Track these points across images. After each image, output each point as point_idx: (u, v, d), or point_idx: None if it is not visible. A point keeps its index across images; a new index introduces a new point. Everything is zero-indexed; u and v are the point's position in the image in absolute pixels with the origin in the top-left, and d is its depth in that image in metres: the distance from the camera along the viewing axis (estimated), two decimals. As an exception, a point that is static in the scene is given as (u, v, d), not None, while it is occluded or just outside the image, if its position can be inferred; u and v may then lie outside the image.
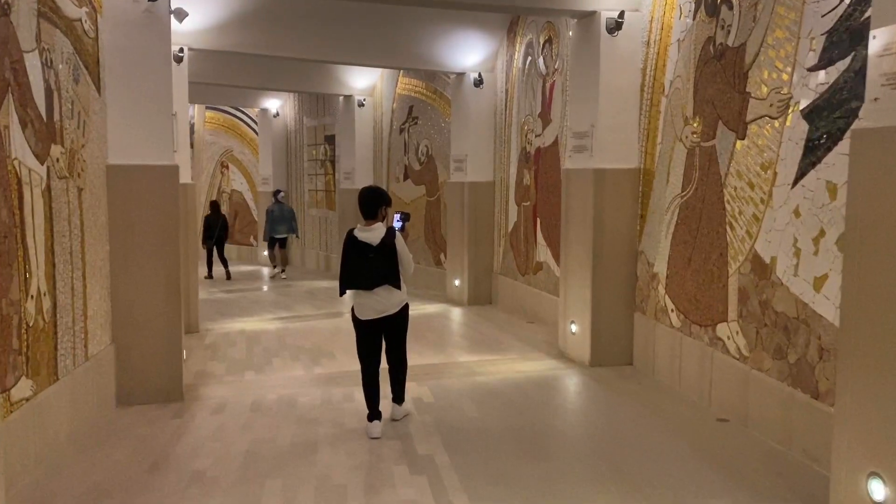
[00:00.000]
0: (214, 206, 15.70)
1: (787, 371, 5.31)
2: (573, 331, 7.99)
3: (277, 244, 15.83)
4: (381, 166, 15.10)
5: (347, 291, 5.58)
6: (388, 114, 14.77)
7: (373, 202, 5.52)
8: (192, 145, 21.03)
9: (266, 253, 16.02)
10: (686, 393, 6.68)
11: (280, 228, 15.69)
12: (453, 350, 8.68)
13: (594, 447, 5.43)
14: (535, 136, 10.25)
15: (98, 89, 6.15)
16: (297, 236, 16.25)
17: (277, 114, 18.36)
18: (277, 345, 9.08)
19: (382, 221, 5.59)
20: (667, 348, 7.06)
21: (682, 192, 6.80)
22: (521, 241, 10.82)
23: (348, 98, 15.18)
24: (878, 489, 3.57)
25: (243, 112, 19.70)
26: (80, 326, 5.66)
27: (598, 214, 7.61)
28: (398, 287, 5.51)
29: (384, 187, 15.01)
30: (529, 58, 10.41)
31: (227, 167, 20.41)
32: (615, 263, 7.69)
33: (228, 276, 15.73)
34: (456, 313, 11.21)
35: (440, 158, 13.10)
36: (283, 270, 16.10)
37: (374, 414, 5.64)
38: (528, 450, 5.36)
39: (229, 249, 19.99)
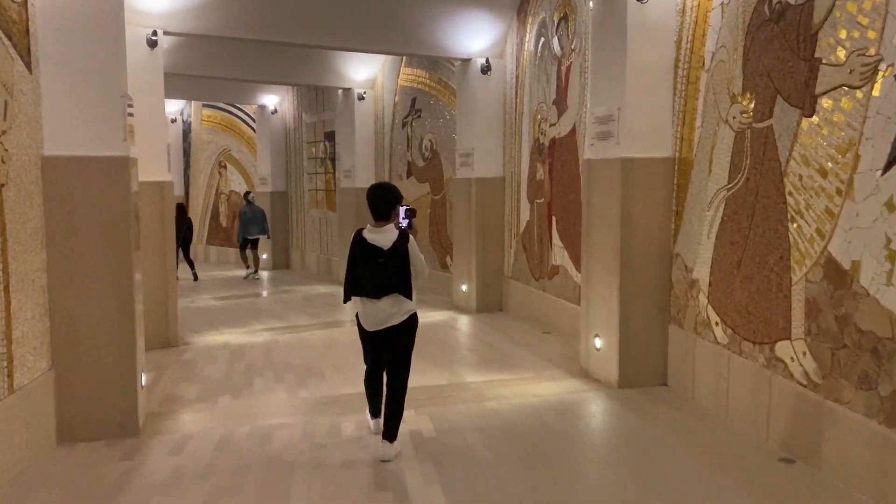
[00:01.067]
0: (180, 208, 15.09)
1: (877, 405, 4.16)
2: (597, 346, 6.86)
3: (249, 245, 15.71)
4: (382, 163, 14.00)
5: (352, 298, 5.02)
6: (389, 107, 13.67)
7: (385, 201, 4.89)
8: (189, 145, 20.03)
9: (240, 254, 16.08)
10: (735, 423, 5.54)
11: (253, 230, 15.55)
12: (460, 367, 7.55)
13: (629, 497, 4.31)
14: (550, 126, 9.13)
15: (27, 65, 5.06)
16: (268, 237, 16.22)
17: (276, 110, 17.30)
18: (262, 361, 7.98)
19: (394, 222, 4.99)
20: (710, 368, 5.93)
21: (729, 183, 5.66)
22: (534, 242, 9.69)
23: (347, 91, 14.09)
24: None
25: (241, 109, 18.64)
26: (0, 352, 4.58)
27: (626, 211, 6.48)
28: (409, 297, 4.89)
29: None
30: (542, 39, 9.28)
31: (225, 167, 19.36)
32: (646, 268, 6.56)
33: (195, 278, 15.41)
34: (463, 322, 10.10)
35: (445, 153, 11.99)
36: (255, 271, 15.87)
37: (374, 412, 5.36)
38: (547, 502, 4.25)
39: (228, 253, 19.06)
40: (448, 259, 12.05)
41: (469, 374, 7.24)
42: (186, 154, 20.44)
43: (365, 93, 13.95)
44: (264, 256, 17.51)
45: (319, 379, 7.17)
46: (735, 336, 5.61)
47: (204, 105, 19.52)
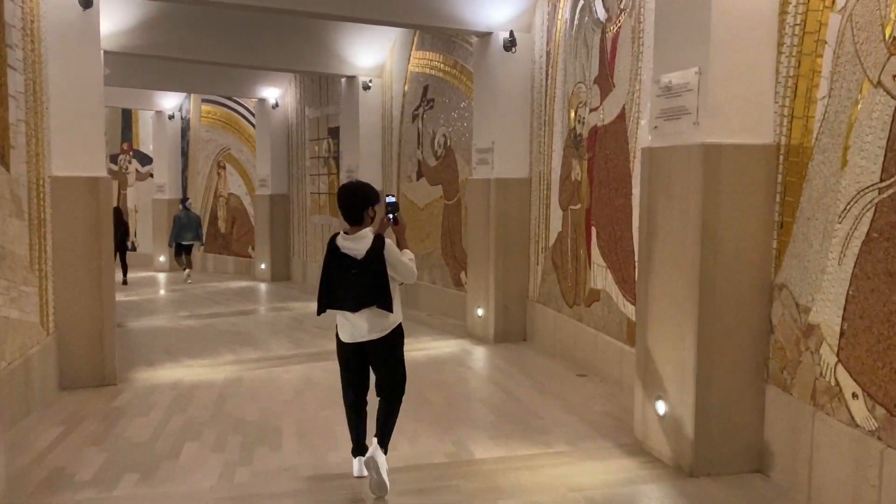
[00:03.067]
0: (117, 211, 13.88)
1: None
2: (660, 412, 4.78)
3: (183, 251, 15.62)
4: (390, 163, 12.01)
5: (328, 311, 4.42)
6: (398, 98, 11.68)
7: (355, 202, 4.32)
8: (187, 143, 18.23)
9: (163, 258, 16.30)
10: (896, 559, 3.44)
11: (187, 235, 15.43)
12: (467, 432, 5.49)
13: None
14: (590, 112, 7.07)
15: None
16: (201, 244, 16.21)
17: (277, 104, 15.39)
18: (210, 413, 6.00)
19: (371, 224, 4.37)
20: (842, 461, 3.82)
21: (881, 181, 3.58)
22: (567, 258, 7.63)
23: (352, 80, 12.11)
24: None
25: (242, 104, 16.77)
26: None
27: (708, 222, 4.41)
28: (389, 309, 4.31)
29: (393, 187, 11.92)
30: (581, 2, 7.23)
31: (224, 168, 17.50)
32: (735, 303, 4.48)
33: (125, 282, 15.02)
34: (478, 358, 8.04)
35: (462, 150, 9.97)
36: (188, 276, 15.61)
37: (358, 447, 4.52)
38: None
39: (227, 262, 17.24)
40: (463, 275, 10.01)
41: (479, 445, 5.18)
42: (185, 153, 18.62)
43: (371, 81, 11.97)
44: (263, 266, 15.61)
45: (273, 447, 5.16)
46: (890, 418, 3.52)
47: (203, 100, 17.70)
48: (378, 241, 4.25)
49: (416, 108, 11.13)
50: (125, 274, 15.21)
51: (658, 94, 4.84)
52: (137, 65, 13.14)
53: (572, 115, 7.48)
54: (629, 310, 6.29)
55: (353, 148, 12.19)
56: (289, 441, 5.26)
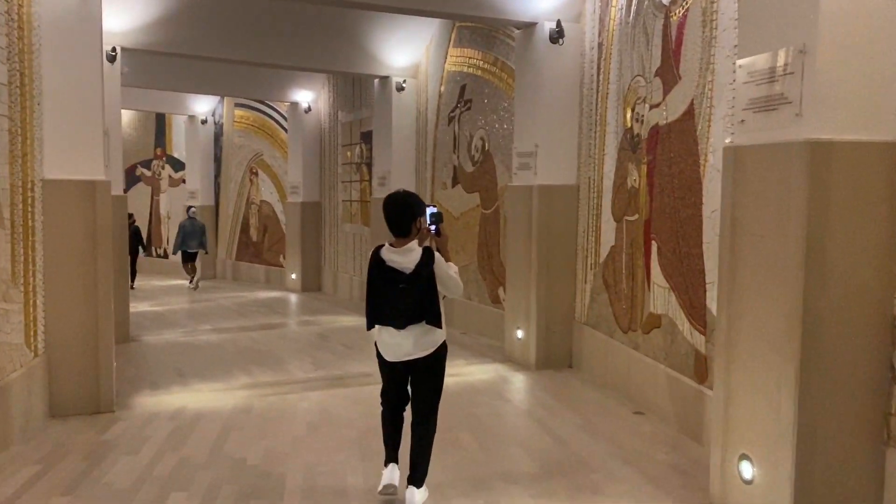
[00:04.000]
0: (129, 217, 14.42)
1: None
2: (747, 476, 3.80)
3: (188, 258, 15.60)
4: (424, 169, 11.15)
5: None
6: (434, 99, 10.82)
7: (403, 214, 4.03)
8: (220, 149, 17.63)
9: (182, 267, 16.05)
10: None
11: (192, 243, 15.46)
12: (505, 486, 4.56)
13: None
14: (650, 109, 6.12)
15: None
16: (205, 252, 16.30)
17: (309, 108, 14.65)
18: (207, 453, 5.16)
19: (416, 237, 4.08)
20: None
21: None
22: (621, 277, 6.66)
23: (385, 81, 11.29)
24: None
25: (275, 109, 16.10)
26: None
27: (815, 238, 3.44)
28: (438, 325, 4.08)
29: (428, 195, 11.06)
30: (640, -15, 6.29)
31: (256, 174, 16.83)
32: (847, 342, 3.50)
33: (132, 287, 14.25)
34: (517, 387, 7.10)
35: (501, 155, 9.06)
36: (192, 281, 15.64)
37: (389, 457, 4.29)
38: None
39: (258, 271, 16.57)
40: (501, 291, 9.08)
41: (518, 499, 4.25)
42: (217, 159, 18.01)
43: (405, 81, 11.13)
44: (293, 276, 14.86)
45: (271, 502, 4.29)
46: None
47: (236, 104, 17.08)
48: (428, 254, 4.03)
49: (453, 110, 10.25)
50: (133, 279, 14.88)
51: (746, 81, 3.87)
52: (164, 65, 12.54)
53: (628, 113, 6.53)
54: (698, 340, 5.30)
55: (386, 153, 11.36)
56: (291, 497, 4.38)
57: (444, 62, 10.47)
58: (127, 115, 20.51)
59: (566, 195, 7.62)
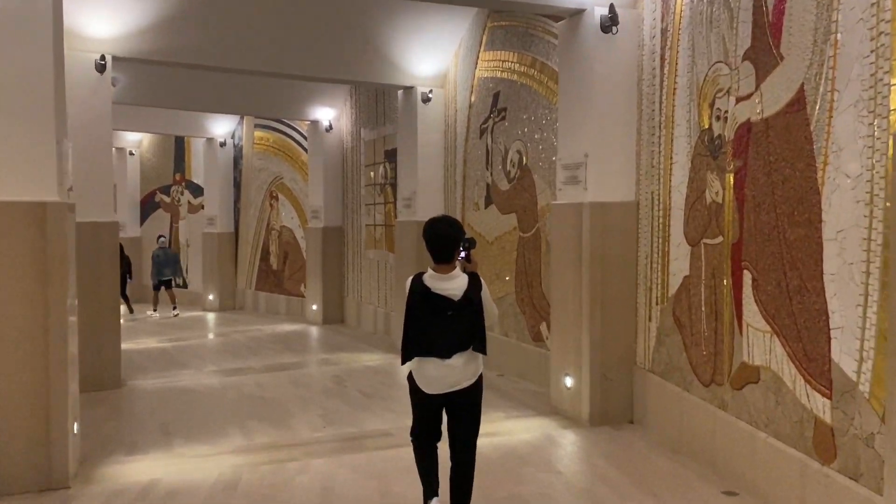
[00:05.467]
0: (119, 247, 14.85)
1: None
2: None
3: (163, 286, 15.81)
4: (453, 188, 9.87)
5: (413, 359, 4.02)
6: (463, 110, 9.56)
7: (449, 241, 3.94)
8: (240, 173, 16.58)
9: (154, 296, 16.20)
10: None
11: (166, 271, 15.78)
12: None
13: None
14: (737, 103, 4.76)
15: None
16: (181, 280, 16.86)
17: (330, 126, 13.50)
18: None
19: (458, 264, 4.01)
20: None
21: None
22: (699, 315, 5.26)
23: (409, 92, 10.08)
24: None
25: (295, 128, 15.00)
26: None
27: None
28: (484, 351, 3.99)
29: (459, 216, 9.75)
30: (719, -51, 4.97)
31: (277, 198, 15.71)
32: None
33: (131, 311, 15.81)
34: (569, 451, 5.71)
35: (542, 170, 7.76)
36: (174, 308, 15.71)
37: (432, 490, 4.01)
38: None
39: (279, 302, 15.40)
40: (544, 328, 7.72)
41: None
42: (237, 184, 16.95)
43: (431, 92, 9.90)
44: (314, 307, 13.62)
45: None
46: None
47: (256, 125, 16.04)
48: (476, 280, 4.00)
49: (485, 121, 8.98)
50: (128, 302, 15.67)
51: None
52: (171, 80, 11.50)
53: (706, 110, 5.18)
54: (818, 405, 3.90)
55: (411, 172, 10.11)
56: None
57: (475, 68, 9.22)
58: (147, 140, 19.70)
59: (623, 214, 6.26)
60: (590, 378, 6.23)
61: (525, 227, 8.11)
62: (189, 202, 18.46)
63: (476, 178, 9.22)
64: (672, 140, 5.71)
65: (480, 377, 4.02)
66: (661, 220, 5.89)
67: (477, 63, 9.17)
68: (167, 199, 19.17)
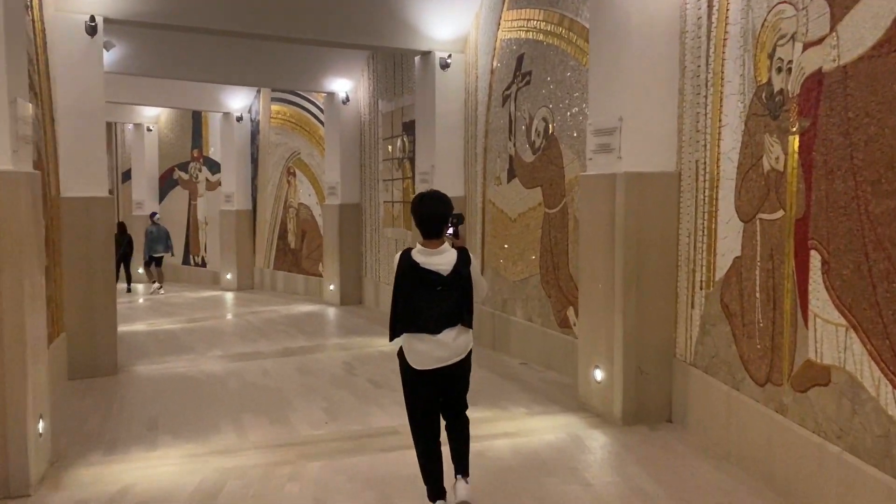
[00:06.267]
0: (121, 226, 16.28)
1: None
2: None
3: (154, 263, 16.14)
4: (473, 161, 9.12)
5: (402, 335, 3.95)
6: (485, 76, 8.78)
7: (442, 214, 3.89)
8: (257, 148, 15.97)
9: (141, 271, 17.17)
10: None
11: (158, 248, 16.01)
12: None
13: None
14: (804, 50, 3.95)
15: None
16: (171, 254, 16.83)
17: (347, 98, 12.77)
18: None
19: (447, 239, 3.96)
20: None
21: None
22: (754, 302, 4.48)
23: (427, 57, 9.31)
24: None
25: (312, 101, 14.30)
26: None
27: None
28: (470, 326, 3.96)
29: (478, 193, 9.03)
30: None
31: (294, 174, 15.06)
32: None
33: (129, 290, 16.16)
34: (599, 457, 4.97)
35: (569, 139, 6.98)
36: (160, 287, 16.05)
37: (437, 492, 3.97)
38: None
39: (297, 281, 14.81)
40: (571, 312, 6.98)
41: None
42: (254, 160, 16.34)
43: (450, 57, 9.13)
44: (332, 287, 12.99)
45: None
46: None
47: (273, 99, 15.38)
48: (465, 255, 3.95)
49: (508, 87, 8.20)
50: (129, 281, 16.39)
51: None
52: (177, 47, 10.88)
53: (763, 62, 4.36)
54: (914, 418, 3.13)
55: (429, 144, 9.37)
56: None
57: (498, 29, 8.42)
58: (164, 115, 19.16)
59: (663, 186, 5.47)
60: (623, 371, 5.49)
61: (551, 202, 7.35)
62: (207, 179, 17.91)
63: (498, 149, 8.46)
64: (721, 99, 4.90)
65: (470, 352, 4.00)
66: (706, 192, 5.09)
67: (499, 24, 8.37)
68: (185, 177, 18.66)
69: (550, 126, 7.33)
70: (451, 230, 3.96)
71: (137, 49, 10.74)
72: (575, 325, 6.86)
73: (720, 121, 4.91)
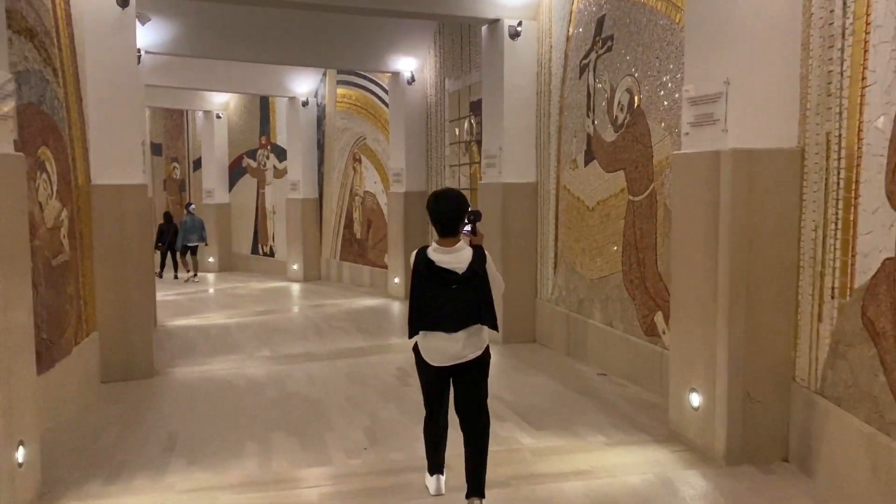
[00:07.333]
0: (167, 216, 17.05)
1: None
2: None
3: (189, 252, 16.40)
4: (546, 143, 8.06)
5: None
6: (560, 45, 7.70)
7: (458, 212, 3.84)
8: (323, 134, 15.30)
9: (180, 259, 16.96)
10: None
11: (192, 237, 16.19)
12: None
13: None
14: None
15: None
16: (205, 244, 17.03)
17: (413, 79, 11.89)
18: None
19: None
20: None
21: None
22: (911, 318, 3.33)
23: (494, 26, 8.29)
24: None
25: (378, 83, 13.47)
26: None
27: None
28: (494, 326, 3.91)
29: (551, 177, 7.93)
30: None
31: (360, 161, 14.30)
32: None
33: (176, 276, 16.57)
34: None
35: (658, 112, 5.86)
36: (195, 275, 16.42)
37: (436, 466, 4.05)
38: None
39: (363, 273, 14.08)
40: (659, 318, 5.88)
41: None
42: (320, 146, 15.67)
43: (521, 25, 8.08)
44: (396, 281, 12.18)
45: None
46: None
47: (339, 82, 14.64)
48: (481, 253, 3.86)
49: (586, 56, 7.10)
50: (175, 269, 16.74)
51: None
52: (242, 27, 10.25)
53: (938, -10, 3.18)
54: None
55: (497, 124, 8.35)
56: None
57: (574, -9, 7.33)
58: (233, 102, 18.76)
59: (781, 165, 4.32)
60: (727, 396, 4.39)
61: (636, 188, 6.24)
62: (275, 167, 17.37)
63: (574, 128, 7.38)
64: (865, 52, 3.72)
65: (487, 348, 3.93)
66: (841, 173, 3.92)
67: (576, -16, 7.28)
68: (253, 164, 18.20)
69: (636, 98, 6.21)
70: (467, 227, 3.85)
71: (197, 29, 10.19)
72: (664, 333, 5.76)
73: (863, 80, 3.73)
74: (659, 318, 5.90)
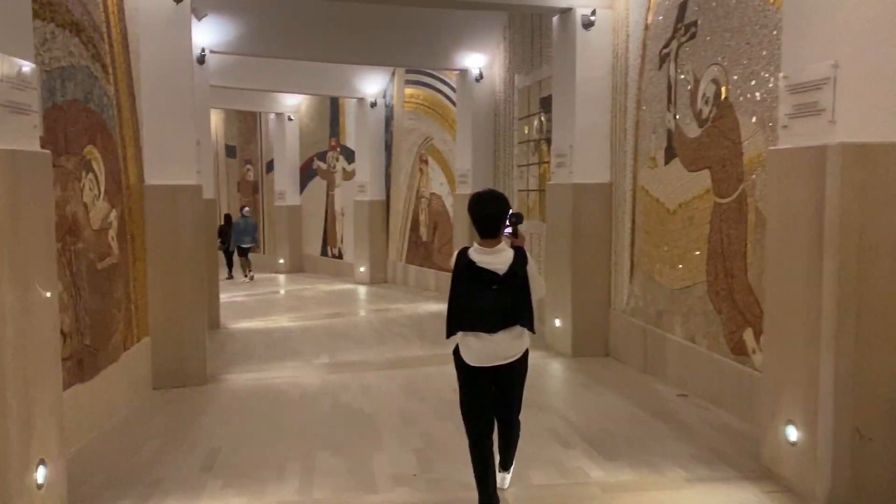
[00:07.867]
0: (227, 217, 17.12)
1: None
2: None
3: (243, 253, 16.66)
4: (622, 140, 7.44)
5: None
6: (637, 35, 7.08)
7: (499, 213, 3.85)
8: (391, 135, 15.00)
9: (236, 259, 17.09)
10: None
11: (245, 239, 16.61)
12: None
13: None
14: None
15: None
16: (258, 246, 17.63)
17: (481, 76, 11.40)
18: None
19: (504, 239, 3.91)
20: None
21: None
22: None
23: (566, 16, 7.72)
24: None
25: (445, 82, 13.05)
26: None
27: None
28: (532, 328, 3.92)
29: (627, 177, 7.32)
30: None
31: (427, 162, 13.90)
32: None
33: (230, 276, 16.66)
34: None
35: (750, 104, 5.20)
36: (251, 277, 16.55)
37: (486, 499, 3.86)
38: None
39: (428, 276, 13.72)
40: (748, 337, 5.22)
41: None
42: (388, 147, 15.37)
43: (594, 14, 7.48)
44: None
45: None
46: None
47: (407, 82, 14.31)
48: (521, 255, 3.86)
49: (667, 44, 6.47)
50: (230, 269, 16.89)
51: None
52: (309, 27, 10.04)
53: None
54: None
55: (568, 120, 7.79)
56: None
57: (654, -26, 6.71)
58: (304, 104, 18.69)
59: (902, 163, 3.65)
60: (832, 432, 3.74)
61: (723, 189, 5.59)
62: (344, 168, 17.20)
63: (653, 123, 6.76)
64: None
65: (526, 352, 3.94)
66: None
67: (656, -33, 6.66)
68: (323, 166, 18.09)
69: (723, 89, 5.57)
70: (508, 229, 3.87)
71: (259, 28, 10.02)
72: (755, 352, 5.11)
73: None
74: (749, 335, 5.23)
